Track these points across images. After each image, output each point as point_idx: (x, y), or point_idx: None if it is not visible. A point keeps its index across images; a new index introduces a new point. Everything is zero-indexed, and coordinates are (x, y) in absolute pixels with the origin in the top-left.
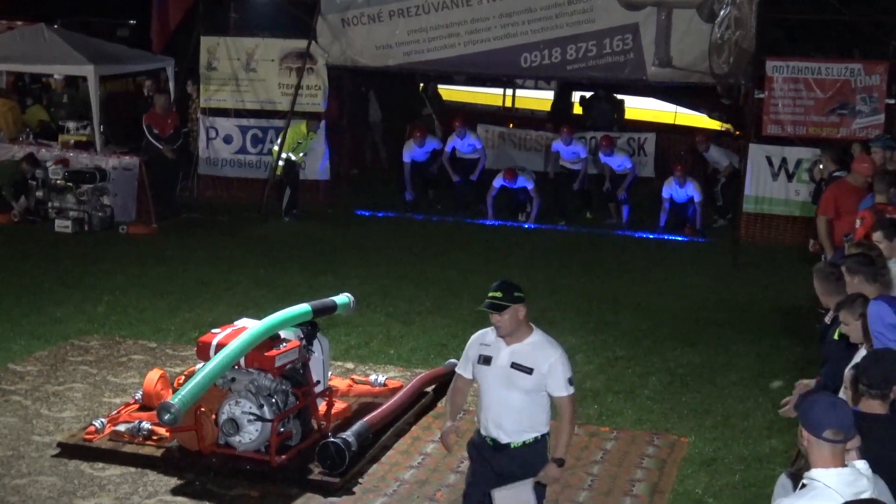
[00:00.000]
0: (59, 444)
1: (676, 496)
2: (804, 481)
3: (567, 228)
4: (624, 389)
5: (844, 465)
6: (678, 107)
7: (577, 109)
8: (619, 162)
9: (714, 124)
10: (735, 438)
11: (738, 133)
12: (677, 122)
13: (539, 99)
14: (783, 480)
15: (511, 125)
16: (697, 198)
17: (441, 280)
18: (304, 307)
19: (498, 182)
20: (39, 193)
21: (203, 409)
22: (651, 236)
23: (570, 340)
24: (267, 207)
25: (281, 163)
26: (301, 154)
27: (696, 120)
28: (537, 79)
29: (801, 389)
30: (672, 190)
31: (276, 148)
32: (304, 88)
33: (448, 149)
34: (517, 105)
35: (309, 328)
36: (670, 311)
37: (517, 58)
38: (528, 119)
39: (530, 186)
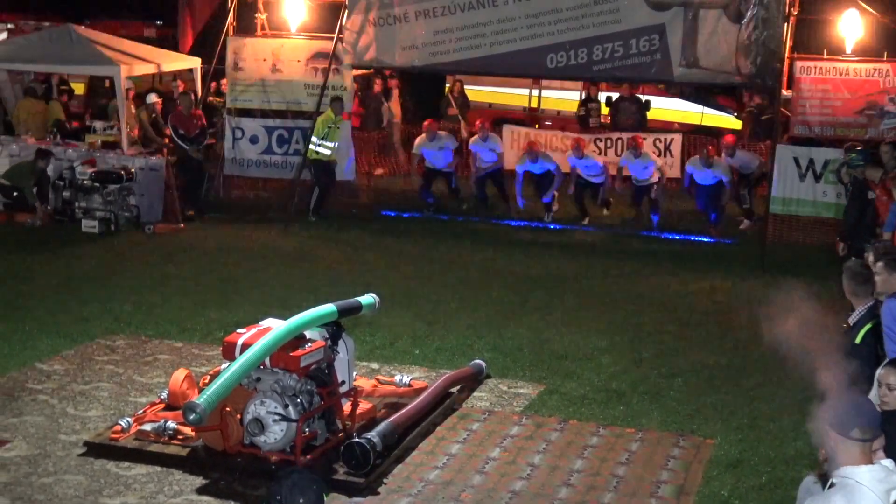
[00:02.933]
0: (86, 443)
1: (702, 498)
2: (834, 480)
3: (592, 229)
4: (650, 391)
5: (873, 463)
6: (705, 108)
7: (605, 110)
8: (643, 167)
9: (740, 125)
10: (761, 440)
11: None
12: (704, 123)
13: (565, 100)
14: (808, 483)
15: (537, 126)
16: (726, 179)
17: (466, 281)
18: (329, 307)
19: (521, 168)
20: (66, 193)
21: (228, 409)
22: (677, 237)
23: (595, 341)
24: (295, 207)
25: (312, 146)
26: (334, 145)
27: (723, 121)
28: (563, 79)
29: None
30: (694, 167)
31: (313, 138)
32: (329, 89)
33: (472, 148)
34: (543, 106)
35: (334, 328)
36: (697, 312)
37: (543, 58)
38: (554, 119)
39: (553, 167)
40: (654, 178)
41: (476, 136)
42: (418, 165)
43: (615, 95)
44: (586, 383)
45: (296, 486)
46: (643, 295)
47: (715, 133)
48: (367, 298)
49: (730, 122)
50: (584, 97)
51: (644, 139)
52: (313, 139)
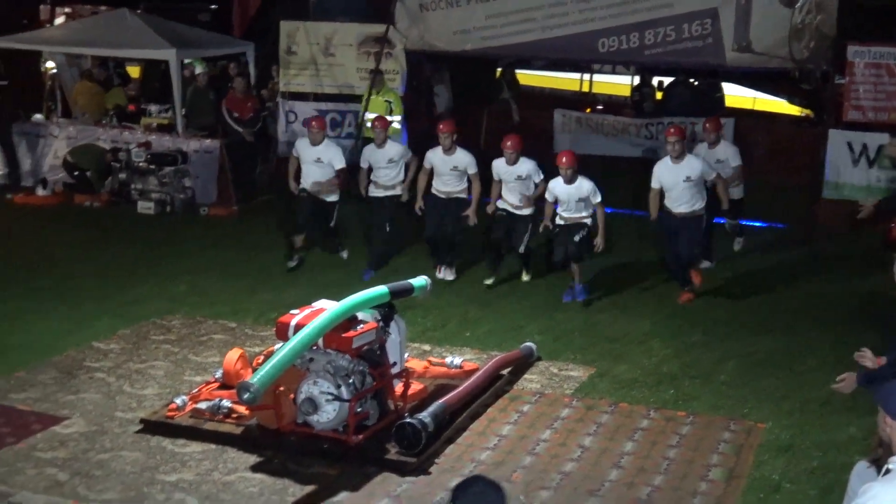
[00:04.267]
0: (142, 421)
1: (753, 481)
2: (890, 466)
3: (644, 214)
4: (700, 374)
5: None
6: (757, 92)
7: (659, 95)
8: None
9: (794, 110)
10: (812, 425)
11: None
12: (756, 108)
13: (617, 84)
14: (860, 468)
15: (588, 110)
16: (735, 162)
17: (517, 263)
18: (381, 289)
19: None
20: (123, 176)
21: (282, 389)
22: (725, 221)
23: (645, 326)
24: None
25: (368, 124)
26: (396, 121)
27: (776, 105)
28: (615, 64)
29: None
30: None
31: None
32: (381, 73)
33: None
34: (595, 90)
35: (386, 310)
36: (747, 297)
37: (595, 43)
38: (606, 104)
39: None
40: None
41: (501, 160)
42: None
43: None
44: (637, 366)
45: (480, 494)
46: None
47: (769, 118)
48: (419, 280)
49: (783, 106)
50: (637, 82)
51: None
52: (368, 115)
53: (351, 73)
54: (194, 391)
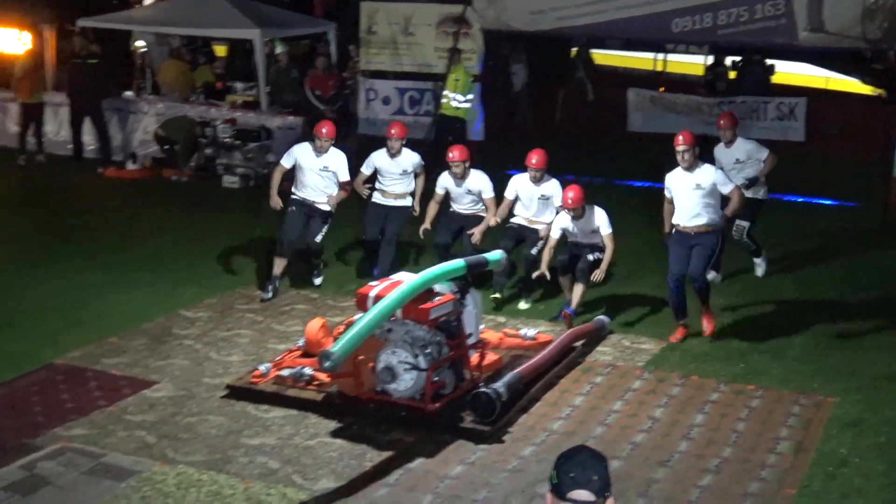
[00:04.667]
0: (228, 387)
1: (820, 455)
2: None
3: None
4: (770, 349)
5: None
6: (830, 72)
7: (732, 74)
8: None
9: (867, 89)
10: (881, 401)
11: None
12: (829, 87)
13: (690, 63)
14: None
15: (661, 89)
16: (760, 154)
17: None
18: (458, 262)
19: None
20: (209, 151)
21: (361, 358)
22: (798, 199)
23: (716, 301)
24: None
25: (444, 101)
26: (465, 100)
27: (849, 85)
28: (688, 43)
29: None
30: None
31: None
32: (459, 51)
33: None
34: (668, 70)
35: (462, 283)
36: (817, 273)
37: (668, 23)
38: (679, 83)
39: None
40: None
41: (524, 176)
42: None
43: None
44: (707, 340)
45: (584, 462)
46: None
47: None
48: (495, 254)
49: (856, 86)
50: (711, 61)
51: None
52: (447, 93)
53: (429, 53)
54: (277, 359)
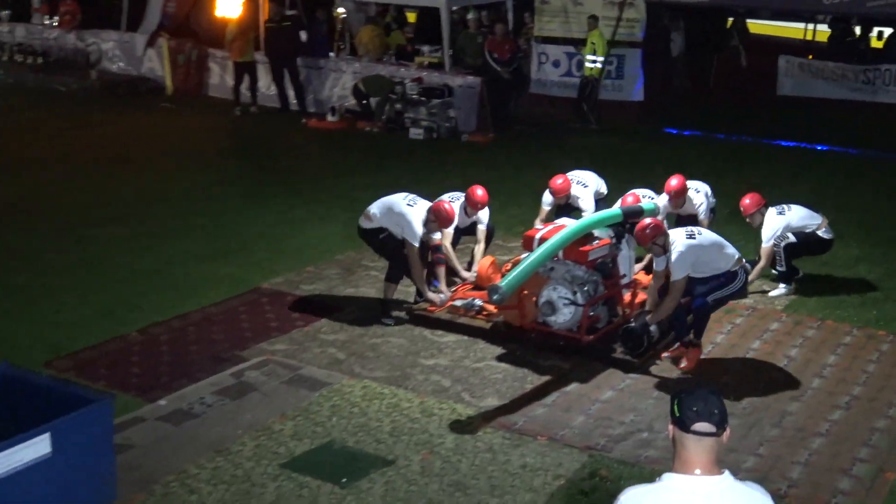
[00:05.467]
0: (408, 313)
1: None
2: None
3: (857, 152)
4: None
5: None
6: None
7: (878, 43)
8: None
9: None
10: None
11: None
12: None
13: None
14: None
15: (811, 56)
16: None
17: (737, 194)
18: (615, 210)
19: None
20: (398, 106)
21: (526, 292)
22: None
23: (853, 251)
24: (587, 120)
25: (588, 64)
26: (599, 61)
27: None
28: (838, 14)
29: None
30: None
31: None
32: (623, 21)
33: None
34: (818, 38)
35: (619, 228)
36: None
37: None
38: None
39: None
40: None
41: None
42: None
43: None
44: (843, 288)
45: (707, 398)
46: None
47: None
48: (650, 204)
49: None
50: (859, 31)
51: None
52: (588, 56)
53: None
54: (452, 291)
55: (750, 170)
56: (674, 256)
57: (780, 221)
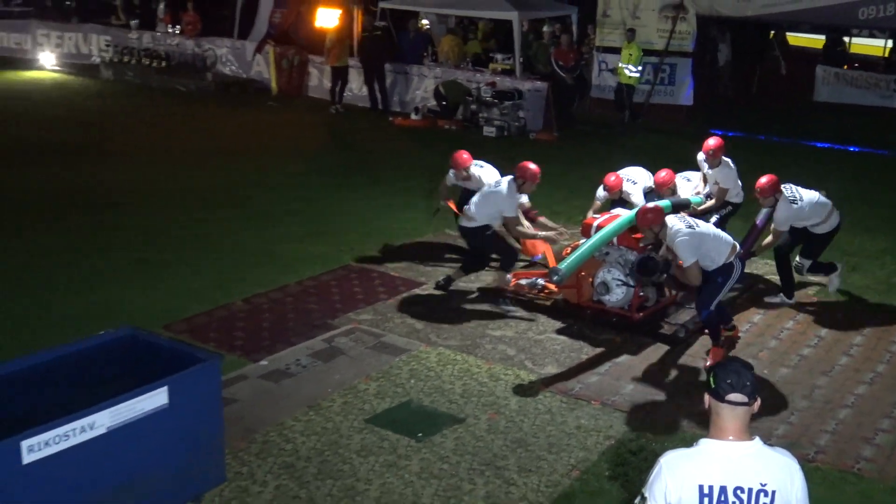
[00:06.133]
0: (479, 290)
1: None
2: None
3: (886, 153)
4: None
5: None
6: None
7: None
8: None
9: None
10: None
11: None
12: None
13: (871, 45)
14: None
15: (845, 67)
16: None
17: None
18: (664, 202)
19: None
20: (474, 107)
21: (583, 273)
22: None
23: (880, 243)
24: (633, 121)
25: (626, 72)
26: (631, 69)
27: None
28: (871, 29)
29: None
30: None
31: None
32: (676, 33)
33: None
34: (852, 50)
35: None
36: None
37: (855, 11)
38: (861, 62)
39: None
40: None
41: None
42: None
43: None
44: (870, 276)
45: (740, 371)
46: None
47: None
48: (696, 197)
49: None
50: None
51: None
52: (621, 65)
53: (652, 33)
54: (518, 270)
55: (787, 167)
56: (679, 243)
57: (794, 210)
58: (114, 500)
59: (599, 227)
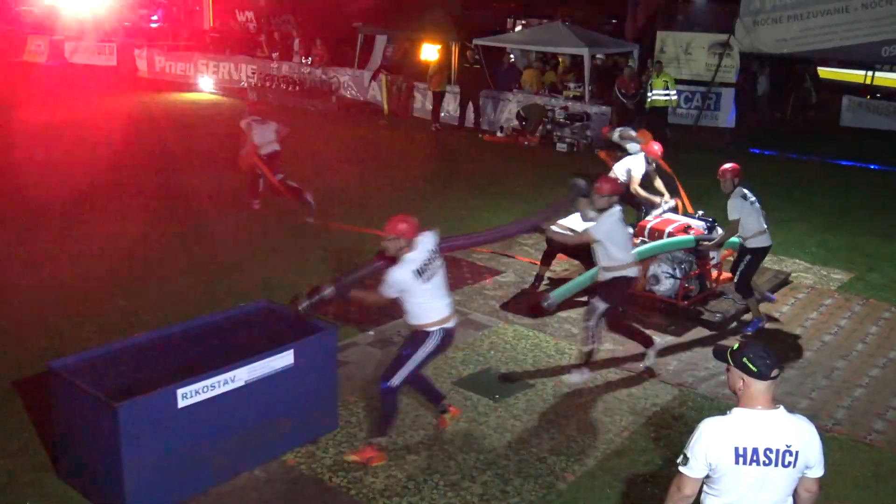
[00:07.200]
0: (549, 279)
1: None
2: None
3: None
4: None
5: None
6: None
7: None
8: None
9: None
10: None
11: None
12: None
13: (893, 79)
14: None
15: (868, 97)
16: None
17: (800, 198)
18: (689, 238)
19: None
20: (549, 126)
21: (640, 267)
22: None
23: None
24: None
25: (662, 97)
26: (668, 93)
27: None
28: (893, 64)
29: None
30: None
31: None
32: (722, 67)
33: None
34: (876, 83)
35: (710, 223)
36: None
37: (879, 49)
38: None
39: None
40: None
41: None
42: None
43: None
44: (887, 275)
45: (766, 350)
46: None
47: None
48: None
49: None
50: None
51: None
52: (657, 91)
53: (701, 66)
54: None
55: (816, 182)
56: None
57: (743, 206)
58: (249, 439)
59: (653, 229)
